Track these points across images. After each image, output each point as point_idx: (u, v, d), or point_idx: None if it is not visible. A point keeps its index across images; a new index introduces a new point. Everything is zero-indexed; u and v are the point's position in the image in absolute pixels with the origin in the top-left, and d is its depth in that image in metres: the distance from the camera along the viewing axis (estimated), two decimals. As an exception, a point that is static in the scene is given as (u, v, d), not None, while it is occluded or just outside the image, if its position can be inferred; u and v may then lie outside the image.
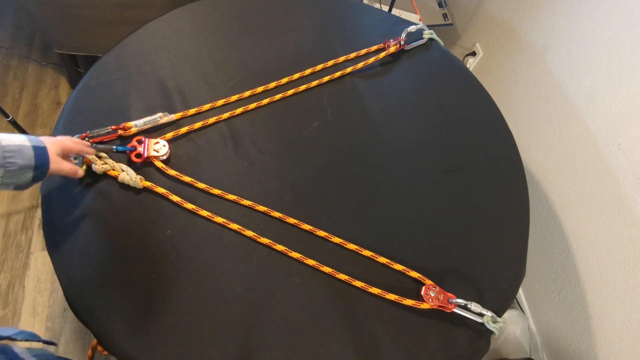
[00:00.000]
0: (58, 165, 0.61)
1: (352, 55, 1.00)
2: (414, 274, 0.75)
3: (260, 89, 0.91)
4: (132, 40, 0.94)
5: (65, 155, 0.65)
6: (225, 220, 0.75)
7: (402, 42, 1.02)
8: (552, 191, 1.23)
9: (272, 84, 0.92)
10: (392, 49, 1.01)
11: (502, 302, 0.77)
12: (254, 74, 0.94)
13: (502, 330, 1.25)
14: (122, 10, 1.33)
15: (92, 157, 0.73)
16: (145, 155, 0.77)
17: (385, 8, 1.50)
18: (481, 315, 0.72)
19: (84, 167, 0.73)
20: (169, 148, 0.80)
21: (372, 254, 0.76)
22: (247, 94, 0.90)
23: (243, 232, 0.75)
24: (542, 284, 1.28)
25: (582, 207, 1.11)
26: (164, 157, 0.79)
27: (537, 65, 1.28)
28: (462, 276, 0.78)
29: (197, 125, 0.84)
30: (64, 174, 0.64)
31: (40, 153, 0.56)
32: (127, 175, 0.74)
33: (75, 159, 0.72)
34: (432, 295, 0.73)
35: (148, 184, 0.76)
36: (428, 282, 0.75)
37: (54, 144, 0.61)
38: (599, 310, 1.05)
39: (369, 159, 0.88)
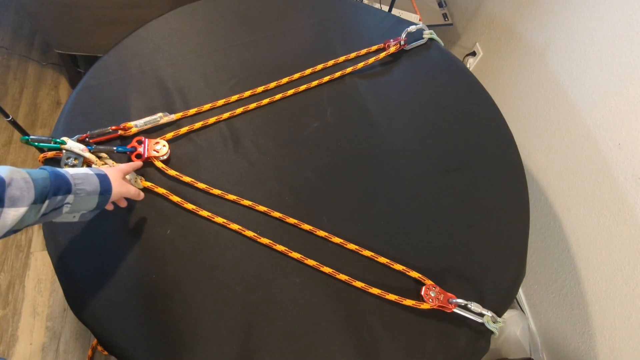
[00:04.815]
0: (125, 187, 0.65)
1: (352, 55, 1.00)
2: (414, 274, 0.75)
3: (260, 89, 0.91)
4: (132, 40, 0.94)
5: (125, 178, 0.70)
6: (225, 221, 0.75)
7: (402, 42, 1.02)
8: (552, 191, 1.23)
9: (272, 84, 0.92)
10: (392, 49, 1.01)
11: (502, 302, 0.77)
12: (254, 74, 0.94)
13: (502, 330, 1.25)
14: (122, 10, 1.33)
15: (92, 157, 0.73)
16: (146, 156, 0.77)
17: (385, 8, 1.50)
18: (481, 315, 0.72)
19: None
20: (169, 148, 0.80)
21: (372, 254, 0.76)
22: (247, 94, 0.90)
23: (243, 232, 0.75)
24: (542, 284, 1.28)
25: (582, 207, 1.11)
26: (164, 157, 0.79)
27: (537, 65, 1.28)
28: (462, 276, 0.78)
29: (197, 125, 0.84)
30: (129, 196, 0.67)
31: (104, 180, 0.59)
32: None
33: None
34: (432, 295, 0.73)
35: (148, 184, 0.76)
36: (428, 282, 0.75)
37: (115, 171, 0.64)
38: (599, 310, 1.05)
39: (369, 159, 0.88)
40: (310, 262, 0.74)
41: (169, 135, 0.82)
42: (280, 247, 0.74)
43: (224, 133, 0.86)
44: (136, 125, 0.80)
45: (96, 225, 0.72)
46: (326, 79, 0.95)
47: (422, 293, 0.73)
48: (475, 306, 0.72)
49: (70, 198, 0.53)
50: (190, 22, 1.00)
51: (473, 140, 0.94)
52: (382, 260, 0.76)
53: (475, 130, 0.96)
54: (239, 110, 0.88)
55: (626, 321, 0.97)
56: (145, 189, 0.76)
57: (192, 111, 0.86)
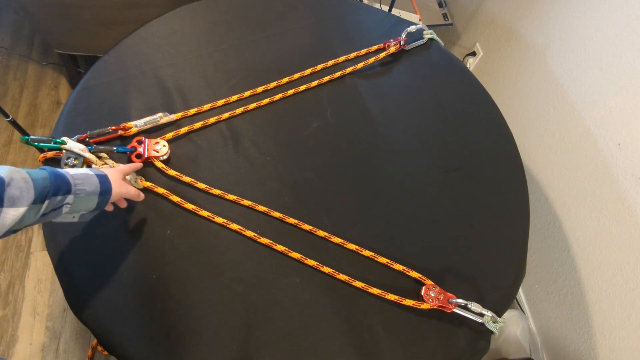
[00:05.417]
0: (125, 188, 0.65)
1: (352, 55, 1.00)
2: (414, 274, 0.75)
3: (260, 89, 0.91)
4: (132, 40, 0.94)
5: (125, 179, 0.69)
6: (225, 221, 0.75)
7: (402, 42, 1.02)
8: (552, 191, 1.22)
9: (272, 84, 0.92)
10: (392, 49, 1.01)
11: (502, 302, 0.77)
12: (254, 74, 0.94)
13: (502, 330, 1.25)
14: (122, 10, 1.33)
15: (92, 157, 0.73)
16: (146, 156, 0.77)
17: (385, 8, 1.50)
18: (481, 315, 0.72)
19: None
20: (169, 148, 0.80)
21: (372, 254, 0.76)
22: (247, 94, 0.90)
23: (243, 232, 0.75)
24: (542, 284, 1.28)
25: (582, 207, 1.11)
26: (164, 157, 0.79)
27: (537, 65, 1.28)
28: (462, 276, 0.78)
29: (197, 125, 0.84)
30: (129, 196, 0.67)
31: (104, 180, 0.60)
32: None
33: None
34: (432, 295, 0.73)
35: (148, 184, 0.76)
36: (428, 282, 0.75)
37: (115, 172, 0.64)
38: (599, 310, 1.05)
39: (369, 159, 0.88)
40: (310, 262, 0.74)
41: (169, 135, 0.82)
42: (280, 247, 0.74)
43: (224, 133, 0.86)
44: (136, 125, 0.80)
45: (96, 225, 0.72)
46: (326, 79, 0.95)
47: (422, 293, 0.73)
48: (475, 306, 0.72)
49: (70, 198, 0.53)
50: (190, 22, 1.00)
51: (473, 140, 0.94)
52: (382, 260, 0.76)
53: (475, 130, 0.96)
54: (239, 110, 0.88)
55: (626, 321, 0.97)
56: (145, 189, 0.76)
57: (192, 111, 0.86)
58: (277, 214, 0.77)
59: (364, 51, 1.02)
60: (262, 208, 0.77)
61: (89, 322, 0.65)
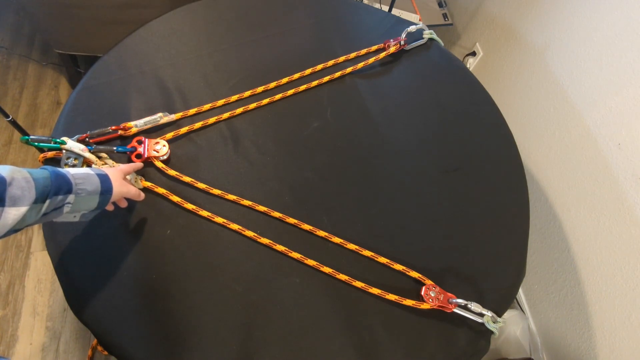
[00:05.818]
0: (125, 187, 0.65)
1: (352, 55, 1.00)
2: (414, 274, 0.75)
3: (260, 89, 0.91)
4: (132, 40, 0.94)
5: (126, 179, 0.69)
6: (225, 221, 0.75)
7: (402, 42, 1.02)
8: (552, 191, 1.22)
9: (272, 84, 0.92)
10: (392, 49, 1.01)
11: (502, 302, 0.77)
12: (254, 74, 0.94)
13: (502, 330, 1.25)
14: (122, 10, 1.33)
15: (92, 157, 0.73)
16: (146, 156, 0.77)
17: (385, 8, 1.50)
18: (481, 315, 0.72)
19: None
20: (169, 148, 0.80)
21: (372, 254, 0.76)
22: (247, 94, 0.90)
23: (243, 232, 0.75)
24: (542, 284, 1.28)
25: (582, 207, 1.11)
26: (164, 157, 0.79)
27: (537, 65, 1.28)
28: (462, 276, 0.78)
29: (197, 125, 0.84)
30: (130, 196, 0.67)
31: (104, 180, 0.59)
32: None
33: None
34: (432, 295, 0.73)
35: (148, 184, 0.76)
36: (428, 282, 0.75)
37: (116, 171, 0.64)
38: (599, 310, 1.05)
39: (369, 158, 0.88)
40: (310, 262, 0.74)
41: (169, 135, 0.82)
42: (280, 247, 0.74)
43: (224, 133, 0.86)
44: (136, 125, 0.80)
45: (96, 225, 0.72)
46: (326, 79, 0.95)
47: (422, 293, 0.73)
48: (475, 306, 0.72)
49: (71, 198, 0.53)
50: (190, 22, 1.00)
51: (473, 140, 0.94)
52: (382, 260, 0.76)
53: (475, 130, 0.96)
54: (239, 110, 0.88)
55: (626, 321, 0.97)
56: (145, 189, 0.76)
57: (192, 111, 0.86)
58: (277, 214, 0.77)
59: (364, 51, 1.02)
60: (262, 208, 0.77)
61: (89, 322, 0.65)
